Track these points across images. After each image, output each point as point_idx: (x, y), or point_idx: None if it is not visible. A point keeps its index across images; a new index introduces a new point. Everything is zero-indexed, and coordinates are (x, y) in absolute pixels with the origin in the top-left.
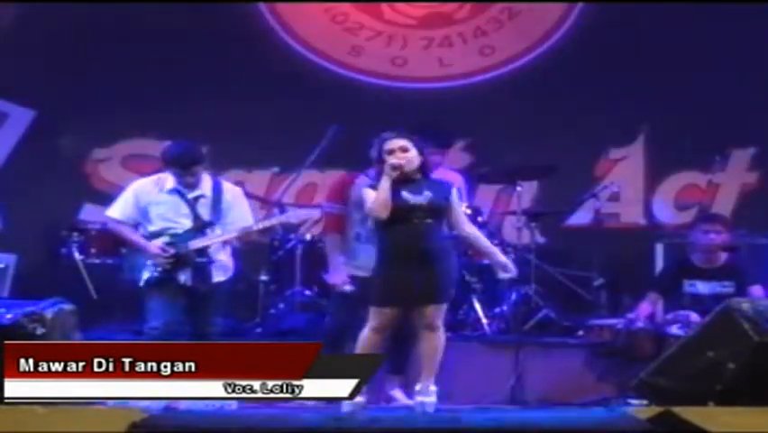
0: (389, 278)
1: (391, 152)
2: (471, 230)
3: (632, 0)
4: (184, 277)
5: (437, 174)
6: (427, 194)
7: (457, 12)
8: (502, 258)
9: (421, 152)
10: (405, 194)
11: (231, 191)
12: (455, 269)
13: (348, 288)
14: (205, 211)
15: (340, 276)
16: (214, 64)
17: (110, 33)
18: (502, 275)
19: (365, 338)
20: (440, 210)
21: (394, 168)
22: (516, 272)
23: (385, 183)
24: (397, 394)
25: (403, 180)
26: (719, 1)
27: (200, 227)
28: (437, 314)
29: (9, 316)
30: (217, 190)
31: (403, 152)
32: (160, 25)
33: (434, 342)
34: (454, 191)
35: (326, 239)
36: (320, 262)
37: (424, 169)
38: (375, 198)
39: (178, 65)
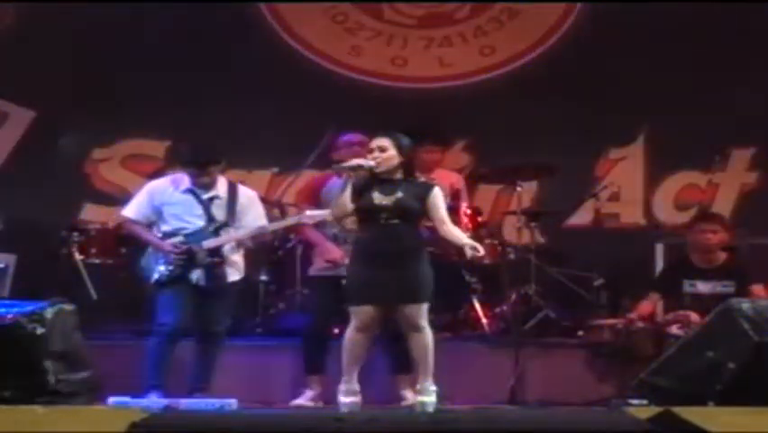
0: (359, 277)
1: (370, 150)
2: (449, 229)
3: (632, 0)
4: (196, 276)
5: (436, 173)
6: (398, 195)
7: (457, 12)
8: (470, 243)
9: (403, 153)
10: (375, 194)
11: (245, 194)
12: (428, 269)
13: (344, 261)
14: (219, 212)
15: (337, 251)
16: (214, 64)
17: (110, 33)
18: (469, 252)
19: (348, 337)
20: (408, 211)
21: (351, 168)
22: (483, 252)
23: (345, 184)
24: (408, 394)
25: (379, 180)
26: (719, 1)
27: (214, 228)
28: (418, 314)
29: (9, 316)
30: (232, 192)
31: (380, 152)
32: (161, 25)
33: (422, 342)
34: (434, 192)
35: (309, 234)
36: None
37: (406, 169)
38: (333, 198)
39: (178, 65)
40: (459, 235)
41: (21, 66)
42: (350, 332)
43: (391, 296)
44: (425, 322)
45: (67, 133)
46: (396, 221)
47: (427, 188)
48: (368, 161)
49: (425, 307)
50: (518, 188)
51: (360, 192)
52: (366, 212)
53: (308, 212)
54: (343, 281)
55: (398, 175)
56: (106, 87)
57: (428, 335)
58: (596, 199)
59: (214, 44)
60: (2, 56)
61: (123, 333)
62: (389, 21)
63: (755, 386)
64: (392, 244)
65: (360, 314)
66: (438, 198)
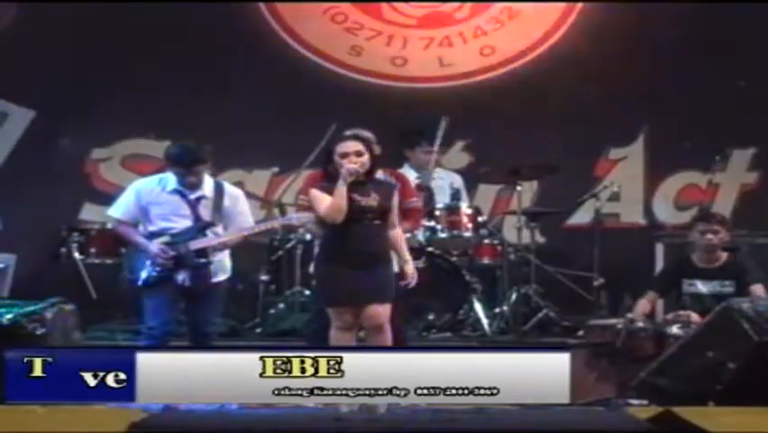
0: (338, 277)
1: (345, 155)
2: (399, 231)
3: (632, 0)
4: (182, 277)
5: (436, 174)
6: (375, 196)
7: (457, 12)
8: (409, 269)
9: (373, 154)
10: (355, 196)
11: (232, 193)
12: (393, 270)
13: None
14: (205, 212)
15: None
16: (214, 64)
17: (110, 33)
18: (401, 283)
19: (334, 339)
20: (387, 212)
21: (351, 173)
22: (412, 284)
23: (342, 188)
24: None
25: (352, 182)
26: (720, 1)
27: (200, 228)
28: (384, 313)
29: (9, 316)
30: (219, 192)
31: (357, 157)
32: (160, 25)
33: (386, 342)
34: (396, 192)
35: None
36: None
37: (371, 172)
38: (331, 202)
39: (178, 65)
40: (405, 254)
41: (21, 66)
42: (334, 333)
43: (366, 295)
44: (388, 324)
45: (67, 133)
46: (378, 222)
47: (392, 186)
48: (357, 168)
49: (388, 308)
50: (518, 188)
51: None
52: (351, 214)
53: (296, 214)
54: None
55: (364, 177)
56: (106, 87)
57: (389, 336)
58: (596, 199)
59: (214, 44)
60: (2, 56)
61: (123, 333)
62: (389, 21)
63: (755, 386)
64: (374, 244)
65: (341, 314)
66: (396, 201)
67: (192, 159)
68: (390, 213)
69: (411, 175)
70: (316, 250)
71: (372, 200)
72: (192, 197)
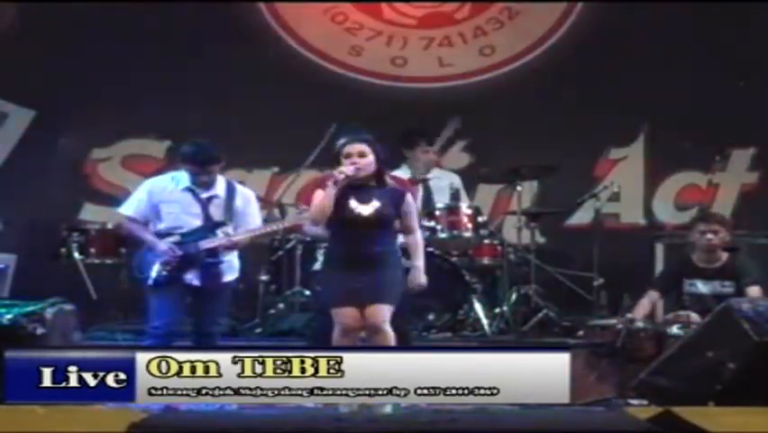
0: (337, 280)
1: (348, 155)
2: (413, 241)
3: (632, 0)
4: (191, 276)
5: (434, 174)
6: (375, 204)
7: (457, 12)
8: (419, 277)
9: (380, 158)
10: (352, 202)
11: (244, 194)
12: (398, 272)
13: None
14: (216, 212)
15: None
16: (214, 64)
17: (110, 33)
18: (409, 285)
19: (336, 340)
20: (386, 222)
21: (341, 176)
22: (414, 290)
23: (329, 191)
24: None
25: (354, 186)
26: (720, 0)
27: (210, 227)
28: (378, 314)
29: (9, 316)
30: (231, 192)
31: (360, 157)
32: (160, 25)
33: (385, 344)
34: (407, 200)
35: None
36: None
37: (378, 176)
38: (316, 204)
39: (179, 65)
40: (414, 258)
41: (21, 66)
42: (336, 334)
43: (366, 296)
44: (385, 325)
45: (67, 133)
46: (372, 230)
47: (400, 194)
48: (350, 169)
49: (386, 308)
50: (518, 188)
51: (336, 199)
52: (344, 220)
53: (307, 213)
54: None
55: (373, 181)
56: (106, 87)
57: (388, 336)
58: (596, 199)
59: (214, 44)
60: (2, 56)
61: (123, 333)
62: (389, 21)
63: (755, 386)
64: (367, 249)
65: (338, 316)
66: (410, 206)
67: (206, 158)
68: (392, 222)
69: (406, 174)
70: (318, 252)
71: (368, 209)
72: (204, 195)
